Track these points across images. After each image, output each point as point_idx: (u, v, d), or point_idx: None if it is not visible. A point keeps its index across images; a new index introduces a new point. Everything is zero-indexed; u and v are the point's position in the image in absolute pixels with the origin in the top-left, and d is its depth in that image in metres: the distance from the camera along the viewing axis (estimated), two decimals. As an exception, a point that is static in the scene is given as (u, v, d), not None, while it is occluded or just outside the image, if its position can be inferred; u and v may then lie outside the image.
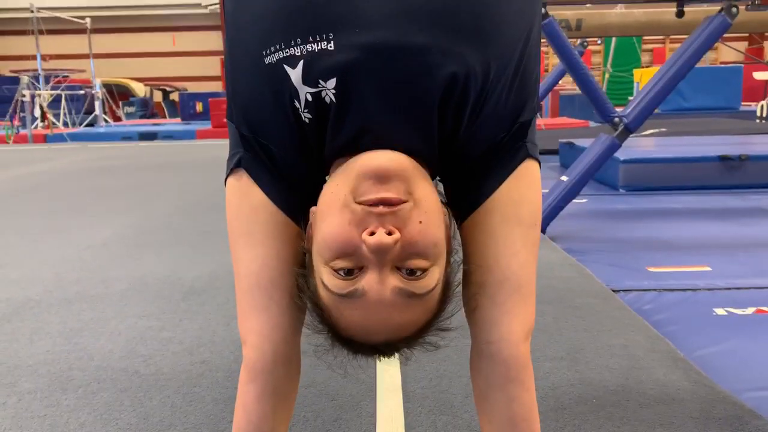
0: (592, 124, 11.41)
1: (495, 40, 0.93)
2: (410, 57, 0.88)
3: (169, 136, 13.09)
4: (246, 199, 1.01)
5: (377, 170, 0.85)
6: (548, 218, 3.68)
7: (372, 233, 0.82)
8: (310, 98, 0.91)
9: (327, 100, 0.90)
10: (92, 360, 2.01)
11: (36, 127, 13.85)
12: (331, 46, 0.88)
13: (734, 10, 3.34)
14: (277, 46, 0.90)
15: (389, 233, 0.82)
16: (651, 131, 7.79)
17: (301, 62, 0.89)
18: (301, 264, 1.00)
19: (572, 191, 3.68)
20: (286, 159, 0.99)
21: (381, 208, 0.83)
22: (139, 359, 2.01)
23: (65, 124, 14.85)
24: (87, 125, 15.32)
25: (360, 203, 0.84)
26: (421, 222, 0.85)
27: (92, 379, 1.87)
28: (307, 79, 0.90)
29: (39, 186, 6.33)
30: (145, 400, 1.73)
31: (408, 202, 0.84)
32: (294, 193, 1.01)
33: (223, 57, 1.07)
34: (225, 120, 1.06)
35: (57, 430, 1.59)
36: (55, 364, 1.98)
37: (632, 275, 2.90)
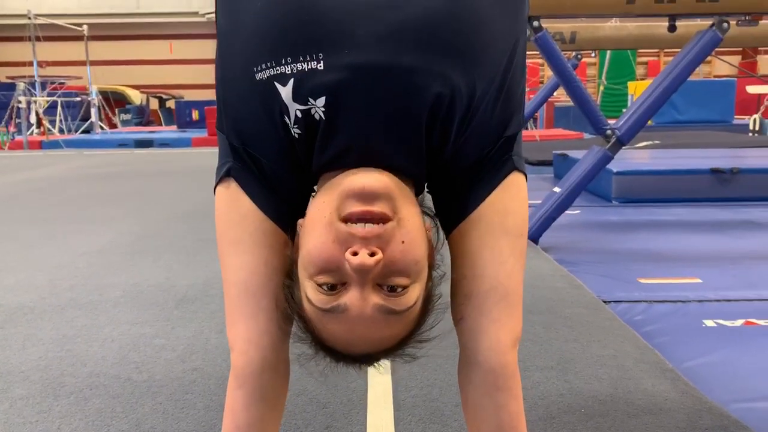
0: (586, 135, 11.47)
1: (480, 60, 0.95)
2: (397, 77, 0.90)
3: (165, 143, 13.10)
4: (235, 208, 1.03)
5: (362, 190, 0.88)
6: (541, 229, 3.70)
7: (355, 252, 0.84)
8: (299, 115, 0.93)
9: (316, 117, 0.93)
10: (85, 366, 2.02)
11: (32, 134, 13.85)
12: (320, 66, 0.90)
13: (725, 25, 3.38)
14: (268, 64, 0.93)
15: (372, 253, 0.84)
16: (644, 143, 7.84)
17: (292, 80, 0.92)
18: (288, 272, 1.02)
19: (565, 202, 3.71)
20: (275, 170, 1.01)
21: (365, 231, 0.85)
22: (131, 366, 2.02)
23: (61, 131, 14.85)
24: (83, 132, 15.32)
25: (344, 219, 0.86)
26: (403, 242, 0.87)
27: (84, 386, 1.88)
28: (297, 97, 0.92)
29: (34, 192, 6.33)
30: (137, 407, 1.74)
31: (392, 221, 0.87)
32: (282, 202, 1.03)
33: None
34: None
35: (49, 436, 1.59)
36: (47, 371, 1.99)
37: (623, 286, 2.92)
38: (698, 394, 1.78)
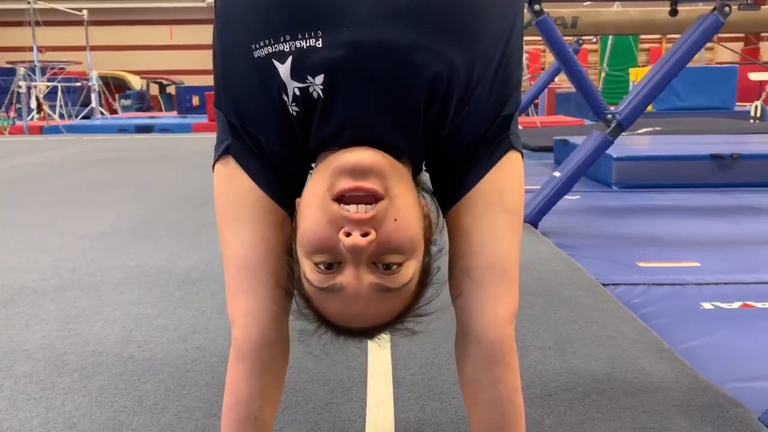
0: (587, 122, 11.45)
1: (478, 40, 0.96)
2: (396, 56, 0.91)
3: (166, 129, 13.08)
4: (233, 185, 1.04)
5: (353, 166, 0.89)
6: (540, 213, 3.72)
7: (348, 233, 0.86)
8: (297, 92, 0.94)
9: (314, 95, 0.93)
10: (87, 345, 2.04)
11: (32, 119, 13.83)
12: (319, 44, 0.91)
13: (727, 9, 3.38)
14: (266, 41, 0.94)
15: (365, 234, 0.86)
16: (645, 129, 7.82)
17: (290, 58, 0.92)
18: (288, 249, 1.04)
19: (564, 187, 3.71)
20: (272, 147, 1.02)
21: (358, 215, 0.86)
22: (134, 345, 2.04)
23: (61, 116, 14.82)
24: (83, 117, 15.30)
25: (337, 197, 0.87)
26: (396, 220, 0.89)
27: (87, 364, 1.90)
28: (295, 75, 0.93)
29: (35, 177, 6.34)
30: (139, 384, 1.76)
31: (384, 200, 0.88)
32: (280, 179, 1.04)
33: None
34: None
35: (53, 412, 1.61)
36: (50, 349, 2.01)
37: (622, 270, 2.94)
38: (694, 373, 1.80)
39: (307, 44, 0.91)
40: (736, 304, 2.49)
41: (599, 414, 1.57)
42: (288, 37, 0.92)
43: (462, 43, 0.94)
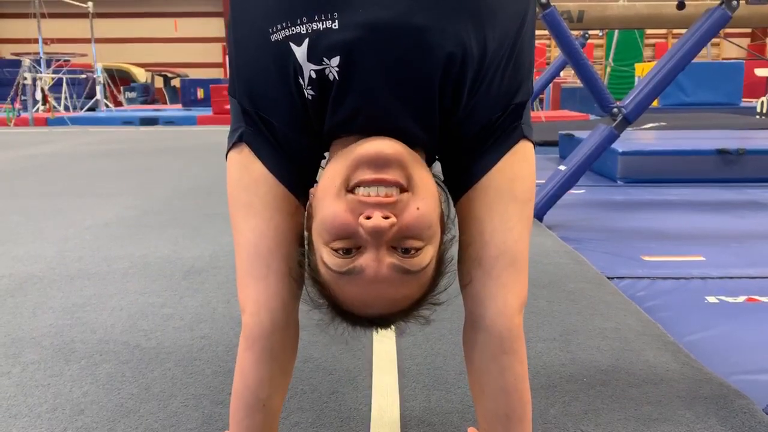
0: (592, 117, 11.42)
1: (491, 22, 0.96)
2: (410, 36, 0.91)
3: (170, 121, 13.11)
4: (246, 172, 1.04)
5: (375, 157, 0.89)
6: (546, 207, 3.71)
7: (369, 217, 0.86)
8: (314, 75, 0.94)
9: (330, 77, 0.93)
10: (94, 333, 2.05)
11: (37, 111, 13.86)
12: (335, 25, 0.91)
13: (734, 2, 3.36)
14: (283, 24, 0.94)
15: (386, 217, 0.86)
16: (651, 125, 7.80)
17: (307, 40, 0.93)
18: (300, 237, 1.04)
19: (570, 180, 3.71)
20: (287, 133, 1.03)
21: (377, 199, 0.87)
22: (140, 333, 2.05)
23: (66, 108, 14.85)
24: (88, 110, 15.33)
25: (358, 185, 0.88)
26: (418, 209, 0.89)
27: (95, 352, 1.91)
28: (311, 57, 0.93)
29: (41, 168, 6.36)
30: (146, 372, 1.77)
31: (407, 191, 0.88)
32: (294, 167, 1.05)
33: (224, 44, 1.10)
34: (227, 95, 1.10)
35: (61, 398, 1.63)
36: (58, 337, 2.02)
37: (627, 263, 2.94)
38: (699, 365, 1.80)
39: (324, 26, 0.91)
40: (740, 298, 2.48)
41: (603, 405, 1.57)
42: (305, 19, 0.92)
43: (475, 24, 0.94)
